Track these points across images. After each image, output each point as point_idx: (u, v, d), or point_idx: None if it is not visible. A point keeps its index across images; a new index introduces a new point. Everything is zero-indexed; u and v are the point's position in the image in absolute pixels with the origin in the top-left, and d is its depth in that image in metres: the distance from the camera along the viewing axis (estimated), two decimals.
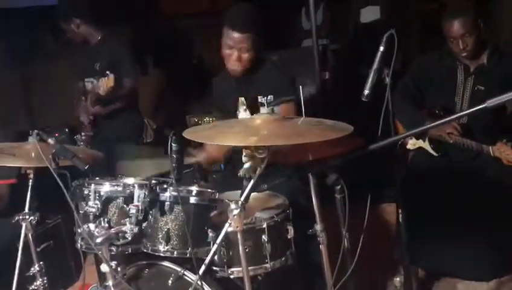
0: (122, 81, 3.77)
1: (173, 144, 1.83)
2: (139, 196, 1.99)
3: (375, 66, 2.02)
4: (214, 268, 2.12)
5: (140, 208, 1.98)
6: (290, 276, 2.43)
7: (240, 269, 2.10)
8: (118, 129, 3.82)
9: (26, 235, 2.40)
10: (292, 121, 1.78)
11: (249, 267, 2.08)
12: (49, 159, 2.03)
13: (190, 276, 2.08)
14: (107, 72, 3.40)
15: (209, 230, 2.04)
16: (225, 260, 2.10)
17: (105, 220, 2.03)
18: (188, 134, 1.70)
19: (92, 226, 1.98)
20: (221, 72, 2.88)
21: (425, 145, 3.11)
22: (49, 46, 3.79)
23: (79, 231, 2.08)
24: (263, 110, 1.74)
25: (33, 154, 2.31)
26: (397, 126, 3.06)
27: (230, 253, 2.09)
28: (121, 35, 3.87)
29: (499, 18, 3.42)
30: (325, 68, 4.37)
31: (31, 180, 2.36)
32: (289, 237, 2.23)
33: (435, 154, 3.06)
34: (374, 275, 2.91)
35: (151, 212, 2.03)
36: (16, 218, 2.32)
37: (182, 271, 2.08)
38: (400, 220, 2.12)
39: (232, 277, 2.13)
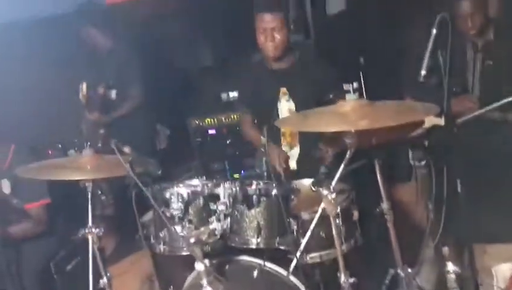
0: (129, 91, 3.77)
1: (263, 137, 1.88)
2: (224, 193, 2.03)
3: (429, 47, 2.14)
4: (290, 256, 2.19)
5: (227, 204, 2.02)
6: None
7: (316, 254, 2.21)
8: (129, 137, 3.79)
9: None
10: (375, 105, 1.87)
11: (326, 251, 2.19)
12: (128, 168, 2.02)
13: (271, 267, 2.15)
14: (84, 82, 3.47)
15: (290, 219, 2.11)
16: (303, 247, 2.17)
17: (189, 220, 2.05)
18: (288, 125, 1.75)
19: (178, 228, 2.00)
20: (249, 68, 2.97)
21: (442, 121, 3.28)
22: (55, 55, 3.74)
23: (161, 235, 2.10)
24: (349, 96, 1.83)
25: (89, 166, 2.32)
26: None
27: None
28: (129, 46, 3.83)
29: None
30: None
31: (90, 193, 2.36)
32: (354, 219, 2.35)
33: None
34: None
35: (236, 207, 2.07)
36: (82, 232, 2.29)
37: (263, 263, 2.14)
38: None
39: (310, 262, 2.21)
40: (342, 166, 1.85)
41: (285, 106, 2.79)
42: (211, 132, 4.39)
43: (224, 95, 4.45)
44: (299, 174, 2.67)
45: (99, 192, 4.46)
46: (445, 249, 2.73)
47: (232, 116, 4.29)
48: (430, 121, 3.34)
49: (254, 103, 2.92)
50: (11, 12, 3.44)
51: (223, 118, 4.35)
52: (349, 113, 1.78)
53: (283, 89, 2.79)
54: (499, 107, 2.93)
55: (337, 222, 2.19)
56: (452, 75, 3.17)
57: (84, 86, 3.57)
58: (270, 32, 2.68)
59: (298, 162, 2.83)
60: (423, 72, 2.15)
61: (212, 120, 4.44)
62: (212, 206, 2.06)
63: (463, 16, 3.00)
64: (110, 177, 2.52)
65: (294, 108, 2.80)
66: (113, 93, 3.73)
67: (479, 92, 3.15)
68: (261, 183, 2.04)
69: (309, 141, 2.70)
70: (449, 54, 2.10)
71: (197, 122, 4.47)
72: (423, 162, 1.90)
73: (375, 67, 3.86)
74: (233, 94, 4.34)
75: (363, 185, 2.38)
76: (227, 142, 4.29)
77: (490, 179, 2.92)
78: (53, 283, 3.12)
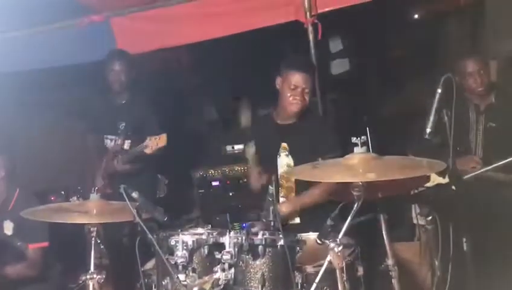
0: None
1: (271, 187, 1.90)
2: (229, 242, 2.02)
3: (434, 106, 2.20)
4: None
5: (232, 253, 2.00)
6: None
7: None
8: (135, 186, 3.78)
9: None
10: (383, 159, 1.90)
11: None
12: (135, 213, 2.03)
13: None
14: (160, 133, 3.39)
15: (296, 272, 2.09)
16: None
17: (193, 269, 2.03)
18: (297, 175, 1.78)
19: (182, 276, 1.98)
20: (256, 122, 3.03)
21: (445, 180, 3.30)
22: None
23: (164, 283, 2.07)
24: (357, 149, 1.86)
25: (95, 211, 2.33)
26: None
27: None
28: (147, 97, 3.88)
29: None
30: None
31: (93, 238, 2.34)
32: (359, 274, 2.32)
33: (453, 187, 3.25)
34: None
35: (241, 257, 2.05)
36: (83, 278, 2.25)
37: None
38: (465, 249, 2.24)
39: None
40: (349, 219, 1.86)
41: (284, 161, 2.83)
42: (215, 183, 4.41)
43: (228, 148, 4.50)
44: (302, 226, 2.67)
45: (98, 241, 4.44)
46: None
47: (236, 169, 4.32)
48: (435, 179, 3.38)
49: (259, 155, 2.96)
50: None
51: (227, 170, 4.37)
52: (357, 166, 1.81)
53: (283, 144, 2.85)
54: (503, 168, 2.97)
55: (343, 275, 2.18)
56: (456, 135, 3.27)
57: (164, 137, 3.36)
58: (300, 92, 2.77)
59: (301, 215, 2.83)
60: (428, 130, 2.20)
61: (216, 172, 4.46)
62: (217, 255, 2.04)
63: (471, 74, 3.10)
64: (110, 225, 2.53)
65: (292, 163, 2.84)
66: (127, 144, 3.74)
67: (482, 152, 3.20)
68: (267, 234, 2.03)
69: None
70: (453, 113, 2.16)
71: (200, 173, 4.49)
72: (429, 218, 1.91)
73: (378, 124, 3.94)
74: (238, 147, 4.39)
75: (368, 240, 2.37)
76: (230, 194, 4.30)
77: (496, 239, 2.91)
78: None
